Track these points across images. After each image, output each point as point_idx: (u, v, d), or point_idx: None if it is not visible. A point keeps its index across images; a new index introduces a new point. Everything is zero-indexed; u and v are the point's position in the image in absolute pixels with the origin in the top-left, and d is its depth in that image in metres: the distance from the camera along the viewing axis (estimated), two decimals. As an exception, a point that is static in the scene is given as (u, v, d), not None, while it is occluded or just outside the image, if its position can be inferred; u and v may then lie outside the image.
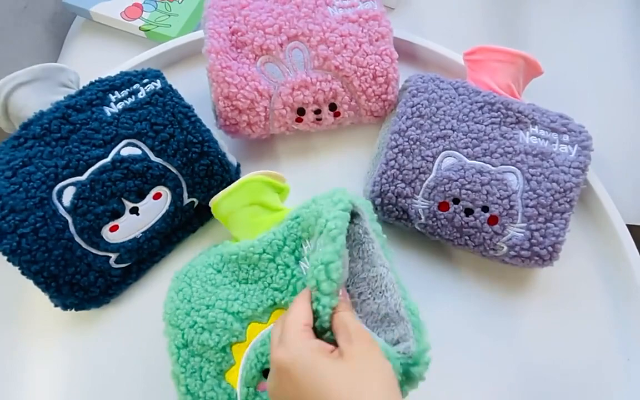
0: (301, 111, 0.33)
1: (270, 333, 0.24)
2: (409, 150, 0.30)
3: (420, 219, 0.31)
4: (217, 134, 0.32)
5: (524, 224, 0.29)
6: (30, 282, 0.28)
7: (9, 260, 0.27)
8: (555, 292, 0.32)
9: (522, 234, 0.29)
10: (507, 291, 0.32)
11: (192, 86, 0.35)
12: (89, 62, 0.43)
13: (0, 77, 0.41)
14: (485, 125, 0.31)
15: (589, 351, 0.30)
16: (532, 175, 0.30)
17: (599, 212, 0.34)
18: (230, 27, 0.32)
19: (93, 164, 0.29)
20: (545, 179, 0.29)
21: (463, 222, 0.30)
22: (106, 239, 0.29)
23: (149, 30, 0.41)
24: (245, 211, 0.28)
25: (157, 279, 0.32)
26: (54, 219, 0.27)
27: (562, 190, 0.29)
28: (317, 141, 0.37)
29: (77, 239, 0.28)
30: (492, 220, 0.29)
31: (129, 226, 0.29)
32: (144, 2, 0.42)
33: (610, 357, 0.30)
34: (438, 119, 0.31)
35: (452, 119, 0.31)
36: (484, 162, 0.30)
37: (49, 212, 0.27)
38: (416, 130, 0.31)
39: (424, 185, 0.30)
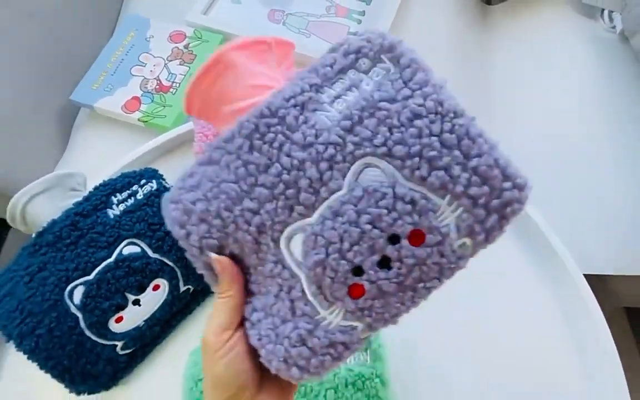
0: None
1: None
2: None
3: (352, 330, 0.20)
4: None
5: (447, 198, 0.18)
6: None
7: (28, 358, 0.31)
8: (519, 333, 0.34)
9: (461, 208, 0.18)
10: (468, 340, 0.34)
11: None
12: (94, 150, 0.47)
13: (18, 169, 0.46)
14: (275, 161, 0.20)
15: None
16: (384, 142, 0.19)
17: (556, 263, 0.36)
18: (216, 130, 0.36)
19: (99, 264, 0.32)
20: (400, 128, 0.19)
21: (392, 279, 0.19)
22: (112, 330, 0.32)
23: (147, 121, 0.45)
24: None
25: (160, 360, 0.35)
26: (66, 318, 0.31)
27: (431, 115, 0.19)
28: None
29: (87, 332, 0.32)
30: (416, 240, 0.19)
31: (133, 316, 0.33)
32: (141, 95, 0.47)
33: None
34: (231, 219, 0.20)
35: (237, 200, 0.20)
36: (326, 200, 0.19)
37: (62, 311, 0.31)
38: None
39: (308, 297, 0.20)
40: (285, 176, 0.19)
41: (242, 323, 0.21)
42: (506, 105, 0.48)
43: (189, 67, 0.48)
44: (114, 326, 0.32)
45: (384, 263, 0.19)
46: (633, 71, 0.47)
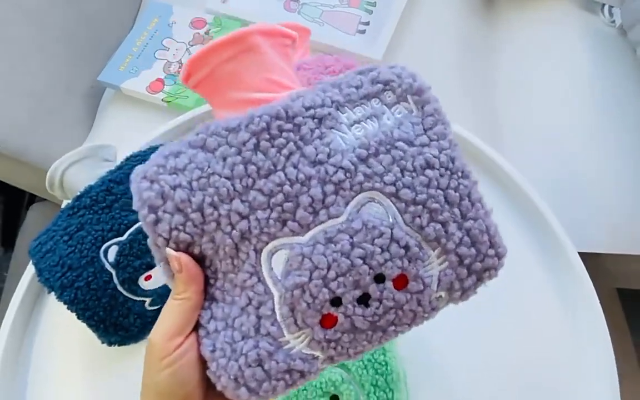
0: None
1: None
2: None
3: (313, 360, 0.19)
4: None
5: (437, 250, 0.19)
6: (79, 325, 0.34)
7: (68, 308, 0.34)
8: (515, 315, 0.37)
9: (447, 263, 0.19)
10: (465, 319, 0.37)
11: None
12: (120, 128, 0.50)
13: (50, 145, 0.49)
14: (280, 169, 0.19)
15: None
16: (394, 182, 0.19)
17: (551, 238, 0.38)
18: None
19: (131, 227, 0.35)
20: (412, 173, 0.19)
21: (367, 317, 0.19)
22: (142, 287, 0.36)
23: (170, 101, 0.48)
24: None
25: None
26: (101, 273, 0.34)
27: (442, 169, 0.19)
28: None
29: (120, 288, 0.35)
30: (401, 283, 0.19)
31: (160, 275, 0.36)
32: (165, 77, 0.50)
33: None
34: (214, 217, 0.19)
35: (227, 199, 0.19)
36: (323, 223, 0.19)
37: (98, 268, 0.34)
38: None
39: (276, 317, 0.19)
40: (287, 188, 0.18)
41: (194, 329, 0.19)
42: (508, 94, 0.51)
43: (209, 52, 0.51)
44: (143, 283, 0.36)
45: (363, 299, 0.19)
46: (631, 63, 0.49)
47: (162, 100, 0.48)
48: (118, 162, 0.38)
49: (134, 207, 0.19)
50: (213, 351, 0.19)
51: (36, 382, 0.38)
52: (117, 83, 0.50)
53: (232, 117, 0.19)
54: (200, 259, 0.19)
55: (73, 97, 0.51)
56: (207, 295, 0.20)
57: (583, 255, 0.38)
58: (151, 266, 0.36)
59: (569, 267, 0.37)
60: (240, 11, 0.54)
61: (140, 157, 0.38)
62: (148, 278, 0.36)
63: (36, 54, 0.48)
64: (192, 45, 0.52)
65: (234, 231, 0.18)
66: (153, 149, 0.39)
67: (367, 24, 0.52)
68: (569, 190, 0.45)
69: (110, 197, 0.36)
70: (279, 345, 0.19)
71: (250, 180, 0.19)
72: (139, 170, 0.19)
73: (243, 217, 0.19)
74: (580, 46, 0.51)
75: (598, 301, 0.36)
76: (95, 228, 0.35)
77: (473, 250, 0.19)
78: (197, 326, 0.20)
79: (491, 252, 0.19)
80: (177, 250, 0.19)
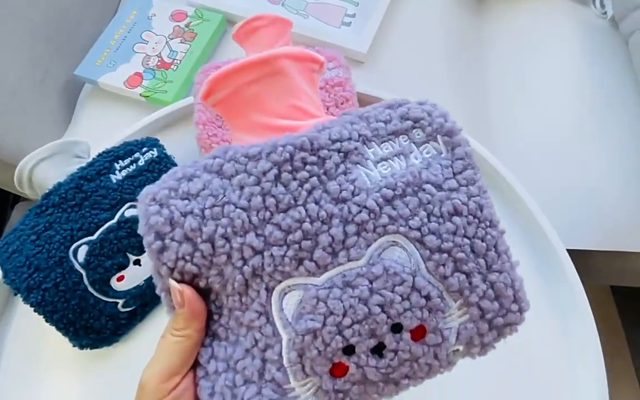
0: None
1: None
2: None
3: None
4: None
5: (459, 302, 0.18)
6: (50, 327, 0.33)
7: (35, 310, 0.32)
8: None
9: (468, 316, 0.18)
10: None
11: (185, 144, 0.41)
12: (97, 124, 0.49)
13: (25, 141, 0.48)
14: (301, 204, 0.18)
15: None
16: (420, 227, 0.18)
17: (539, 236, 0.37)
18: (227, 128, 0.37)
19: (102, 225, 0.34)
20: (439, 219, 0.18)
21: (380, 369, 0.18)
22: (114, 288, 0.34)
23: (148, 96, 0.47)
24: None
25: (159, 318, 0.37)
26: (71, 274, 0.33)
27: (470, 216, 0.18)
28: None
29: (90, 289, 0.33)
30: (418, 334, 0.18)
31: (133, 276, 0.35)
32: (143, 72, 0.48)
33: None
34: (225, 250, 0.17)
35: (241, 231, 0.17)
36: (341, 265, 0.18)
37: (67, 268, 0.33)
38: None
39: (283, 362, 0.17)
40: (306, 225, 0.17)
41: (192, 367, 0.18)
42: (498, 89, 0.50)
43: (190, 45, 0.49)
44: (115, 284, 0.34)
45: (377, 349, 0.17)
46: (623, 55, 0.48)
47: (141, 95, 0.47)
48: (90, 159, 0.37)
49: (139, 231, 0.18)
50: (212, 395, 0.17)
51: (6, 383, 0.36)
52: (95, 77, 0.48)
53: (253, 143, 0.18)
54: (205, 291, 0.18)
55: (49, 91, 0.50)
56: (209, 331, 0.18)
57: (577, 253, 0.36)
58: (123, 266, 0.34)
59: (559, 267, 0.36)
60: (222, 3, 0.52)
61: (113, 153, 0.36)
62: (120, 279, 0.34)
63: (10, 47, 0.47)
64: (171, 38, 0.50)
65: (246, 266, 0.17)
66: (127, 145, 0.38)
67: (353, 16, 0.51)
68: (563, 187, 0.44)
69: (80, 195, 0.34)
70: (283, 393, 0.17)
71: (267, 214, 0.17)
72: (148, 191, 0.18)
73: (257, 252, 0.17)
74: (572, 38, 0.50)
75: (587, 302, 0.35)
76: (64, 227, 0.34)
77: (496, 305, 0.18)
78: (195, 364, 0.18)
79: (514, 307, 0.18)
80: (181, 280, 0.18)
